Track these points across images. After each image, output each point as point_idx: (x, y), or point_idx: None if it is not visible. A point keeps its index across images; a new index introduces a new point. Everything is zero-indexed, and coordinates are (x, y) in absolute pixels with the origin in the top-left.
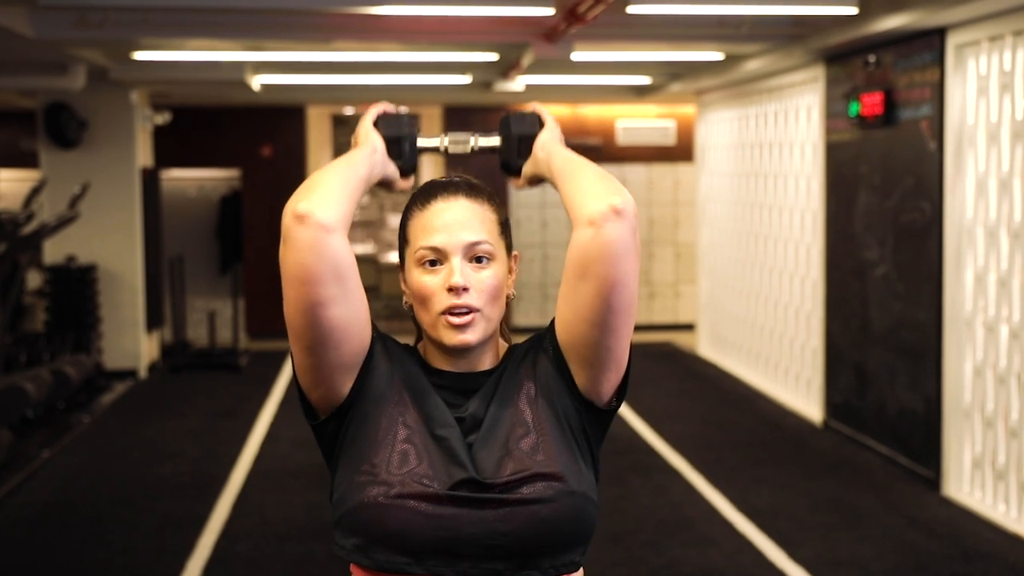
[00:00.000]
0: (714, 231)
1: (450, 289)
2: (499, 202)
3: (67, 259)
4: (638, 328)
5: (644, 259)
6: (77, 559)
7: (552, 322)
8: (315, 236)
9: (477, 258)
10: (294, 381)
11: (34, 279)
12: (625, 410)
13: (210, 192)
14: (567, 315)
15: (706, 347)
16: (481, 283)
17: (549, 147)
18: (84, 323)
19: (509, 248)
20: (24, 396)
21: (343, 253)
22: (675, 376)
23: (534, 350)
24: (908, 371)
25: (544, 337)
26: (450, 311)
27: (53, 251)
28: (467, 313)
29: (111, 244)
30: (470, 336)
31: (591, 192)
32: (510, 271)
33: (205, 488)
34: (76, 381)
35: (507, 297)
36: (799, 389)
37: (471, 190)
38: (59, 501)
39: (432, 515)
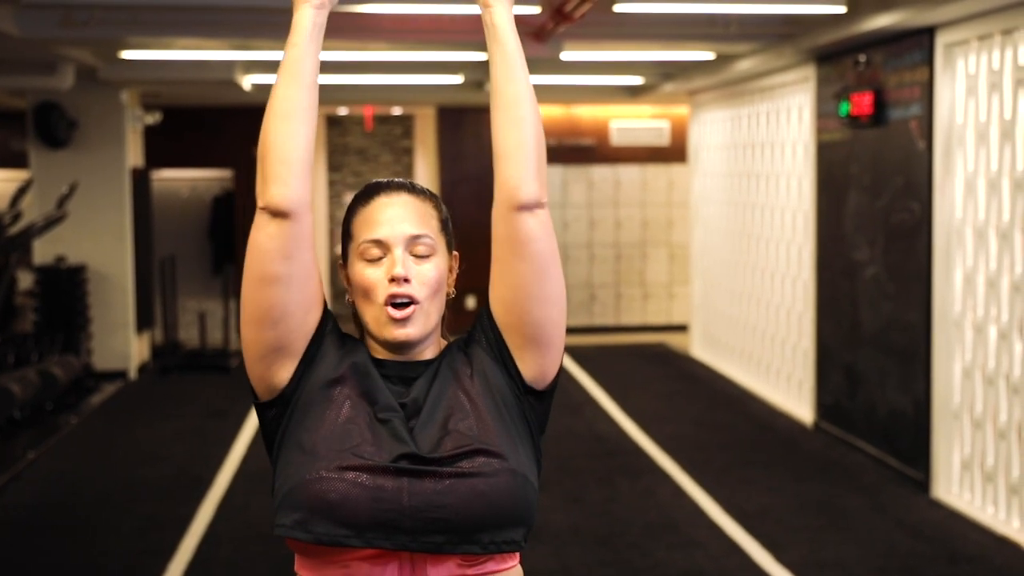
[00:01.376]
0: (707, 232)
1: (392, 279)
2: (441, 203)
3: (57, 259)
4: (634, 329)
5: (638, 260)
6: (59, 560)
7: (484, 313)
8: (282, 226)
9: (419, 251)
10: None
11: (25, 280)
12: (615, 411)
13: (203, 192)
14: (507, 295)
15: (699, 348)
16: (422, 275)
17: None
18: (74, 324)
19: (450, 246)
20: (9, 397)
21: (303, 237)
22: (667, 377)
23: (470, 342)
24: (898, 372)
25: (477, 329)
26: (392, 301)
27: (43, 251)
28: (408, 304)
29: (101, 244)
30: (411, 330)
31: (524, 162)
32: (451, 270)
33: (191, 490)
34: (63, 382)
35: (447, 295)
36: (790, 390)
37: (413, 188)
38: (43, 503)
39: (373, 487)
